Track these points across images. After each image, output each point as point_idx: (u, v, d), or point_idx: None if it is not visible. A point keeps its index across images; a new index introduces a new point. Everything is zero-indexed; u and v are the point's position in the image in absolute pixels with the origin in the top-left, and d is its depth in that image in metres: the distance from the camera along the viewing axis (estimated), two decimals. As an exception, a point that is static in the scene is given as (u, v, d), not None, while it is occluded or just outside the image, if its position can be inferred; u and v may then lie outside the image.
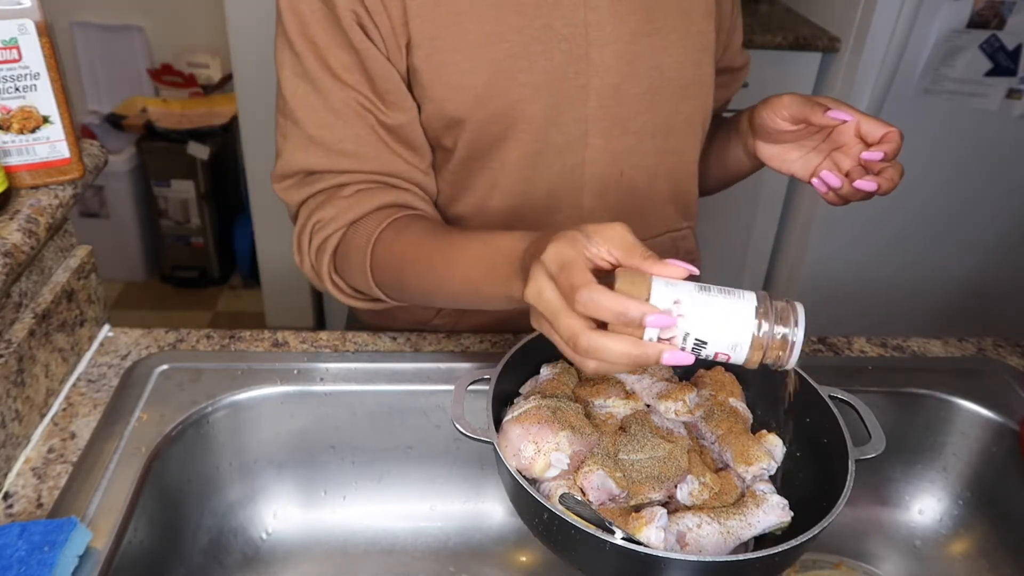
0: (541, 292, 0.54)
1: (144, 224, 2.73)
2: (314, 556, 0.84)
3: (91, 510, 0.67)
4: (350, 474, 0.87)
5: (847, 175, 0.76)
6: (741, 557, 0.56)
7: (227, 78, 2.72)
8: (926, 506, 0.90)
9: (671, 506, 0.63)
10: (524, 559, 0.86)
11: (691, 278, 0.53)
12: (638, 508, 0.61)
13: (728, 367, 0.73)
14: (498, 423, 0.64)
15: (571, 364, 0.72)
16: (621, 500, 0.62)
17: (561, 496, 0.60)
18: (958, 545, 0.88)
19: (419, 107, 0.78)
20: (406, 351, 0.88)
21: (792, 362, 0.53)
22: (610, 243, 0.54)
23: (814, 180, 0.78)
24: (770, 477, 0.66)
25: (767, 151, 0.83)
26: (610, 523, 0.56)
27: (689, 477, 0.63)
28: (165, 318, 2.65)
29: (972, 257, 2.25)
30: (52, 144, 0.76)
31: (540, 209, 0.84)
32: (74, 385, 0.81)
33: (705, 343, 0.52)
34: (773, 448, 0.67)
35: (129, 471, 0.71)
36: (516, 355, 0.69)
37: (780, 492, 0.64)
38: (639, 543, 0.56)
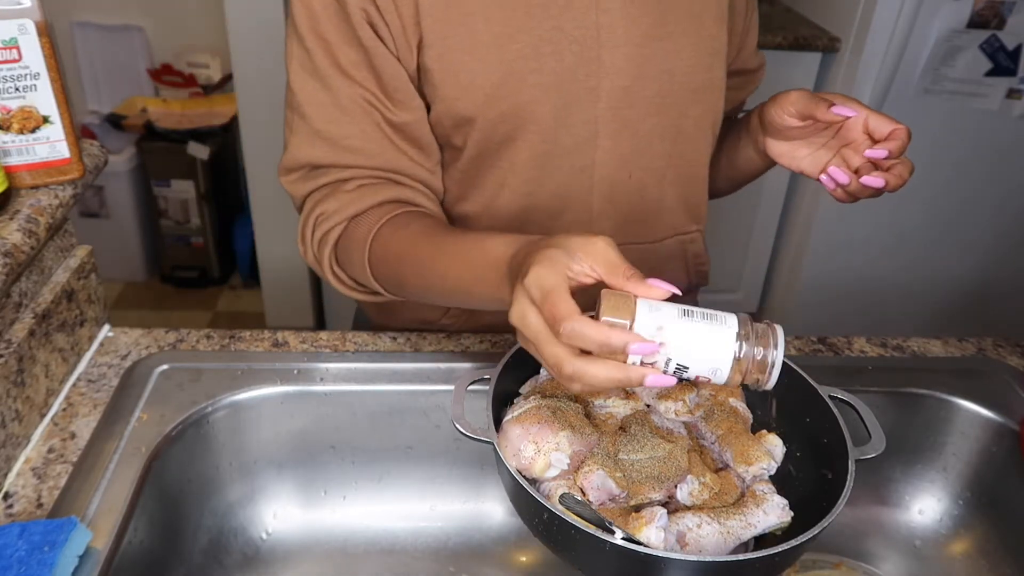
0: (524, 317, 0.54)
1: (144, 224, 2.72)
2: (314, 556, 0.84)
3: (91, 510, 0.67)
4: (350, 474, 0.87)
5: (856, 172, 0.75)
6: (741, 557, 0.56)
7: (227, 78, 2.72)
8: (926, 506, 0.90)
9: (671, 506, 0.63)
10: (524, 559, 0.86)
11: (684, 294, 0.53)
12: (638, 508, 0.61)
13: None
14: (498, 423, 0.64)
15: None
16: (621, 500, 0.62)
17: (561, 496, 0.60)
18: (958, 545, 0.88)
19: (429, 106, 0.78)
20: (406, 351, 0.88)
21: (771, 383, 0.54)
22: (593, 260, 0.54)
23: (822, 176, 0.78)
24: (770, 477, 0.66)
25: (777, 148, 0.82)
26: (610, 523, 0.56)
27: (689, 477, 0.63)
28: (165, 318, 2.65)
29: (972, 257, 2.25)
30: (52, 144, 0.76)
31: (548, 209, 0.84)
32: (74, 385, 0.81)
33: (687, 367, 0.53)
34: (773, 448, 0.67)
35: (129, 471, 0.71)
36: (516, 355, 0.69)
37: (780, 492, 0.64)
38: (639, 543, 0.56)
